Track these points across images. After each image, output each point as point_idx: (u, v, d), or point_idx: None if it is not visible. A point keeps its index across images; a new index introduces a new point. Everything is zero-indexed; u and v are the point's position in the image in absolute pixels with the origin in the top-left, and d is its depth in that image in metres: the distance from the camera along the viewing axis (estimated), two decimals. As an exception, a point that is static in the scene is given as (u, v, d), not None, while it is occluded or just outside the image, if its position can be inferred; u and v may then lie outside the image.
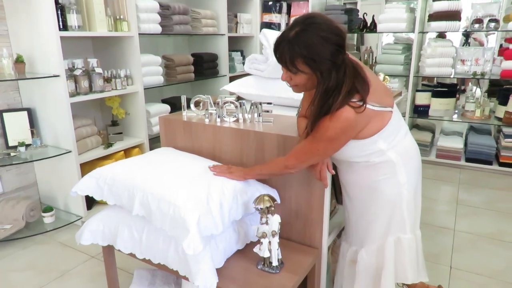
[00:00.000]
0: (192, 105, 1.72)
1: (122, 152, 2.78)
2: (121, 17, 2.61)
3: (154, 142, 3.04)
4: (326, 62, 1.08)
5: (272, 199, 1.29)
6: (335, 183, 1.78)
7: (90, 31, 2.49)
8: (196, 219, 1.16)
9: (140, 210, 1.28)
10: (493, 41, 4.48)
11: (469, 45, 4.26)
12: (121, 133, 2.85)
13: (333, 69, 1.09)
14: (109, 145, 2.71)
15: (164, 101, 3.33)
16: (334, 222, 1.69)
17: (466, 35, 4.53)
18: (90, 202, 2.62)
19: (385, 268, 1.39)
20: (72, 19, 2.33)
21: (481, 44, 4.51)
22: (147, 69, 2.90)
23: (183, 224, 1.16)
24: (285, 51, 1.10)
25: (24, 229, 2.37)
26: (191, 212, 1.17)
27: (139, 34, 2.75)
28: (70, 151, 2.39)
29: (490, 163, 3.59)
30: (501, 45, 3.96)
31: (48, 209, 2.46)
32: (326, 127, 1.15)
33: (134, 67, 2.79)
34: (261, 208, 1.28)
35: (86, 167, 2.50)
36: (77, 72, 2.42)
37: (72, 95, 2.37)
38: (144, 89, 2.86)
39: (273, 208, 1.29)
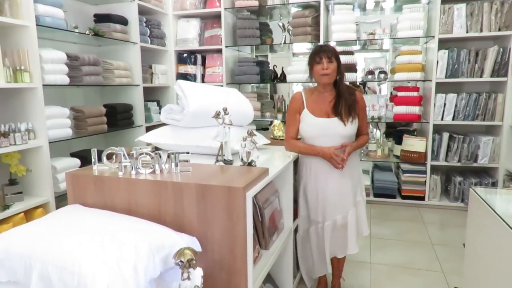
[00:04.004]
0: (104, 158, 1.62)
1: (22, 214, 2.46)
2: (22, 68, 2.43)
3: (62, 199, 2.75)
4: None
5: (194, 252, 1.24)
6: (257, 227, 1.79)
7: (-17, 83, 2.26)
8: (105, 288, 1.05)
9: (38, 285, 1.11)
10: (384, 89, 5.13)
11: (366, 93, 4.80)
12: (21, 192, 2.54)
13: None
14: (5, 207, 2.39)
15: (73, 154, 3.09)
16: (258, 269, 1.67)
17: (363, 84, 5.11)
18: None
19: (361, 216, 2.15)
20: (-38, 69, 2.11)
21: (374, 92, 5.13)
22: (52, 122, 2.69)
23: (90, 295, 1.03)
24: (331, 49, 1.98)
25: None
26: (99, 281, 1.05)
27: (44, 85, 2.57)
28: (-47, 219, 2.05)
29: (394, 197, 3.96)
30: (391, 93, 4.54)
31: None
32: (362, 97, 2.09)
33: (38, 120, 2.57)
34: (181, 262, 1.21)
35: (-26, 236, 2.14)
36: (-34, 128, 2.15)
37: (-42, 153, 2.08)
38: (50, 143, 2.63)
39: (194, 261, 1.23)
